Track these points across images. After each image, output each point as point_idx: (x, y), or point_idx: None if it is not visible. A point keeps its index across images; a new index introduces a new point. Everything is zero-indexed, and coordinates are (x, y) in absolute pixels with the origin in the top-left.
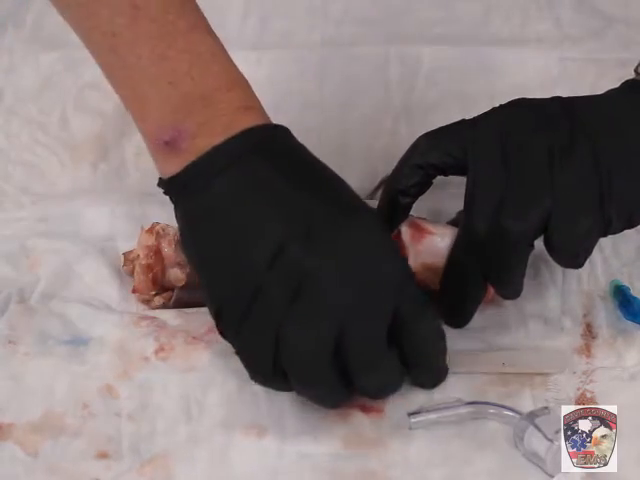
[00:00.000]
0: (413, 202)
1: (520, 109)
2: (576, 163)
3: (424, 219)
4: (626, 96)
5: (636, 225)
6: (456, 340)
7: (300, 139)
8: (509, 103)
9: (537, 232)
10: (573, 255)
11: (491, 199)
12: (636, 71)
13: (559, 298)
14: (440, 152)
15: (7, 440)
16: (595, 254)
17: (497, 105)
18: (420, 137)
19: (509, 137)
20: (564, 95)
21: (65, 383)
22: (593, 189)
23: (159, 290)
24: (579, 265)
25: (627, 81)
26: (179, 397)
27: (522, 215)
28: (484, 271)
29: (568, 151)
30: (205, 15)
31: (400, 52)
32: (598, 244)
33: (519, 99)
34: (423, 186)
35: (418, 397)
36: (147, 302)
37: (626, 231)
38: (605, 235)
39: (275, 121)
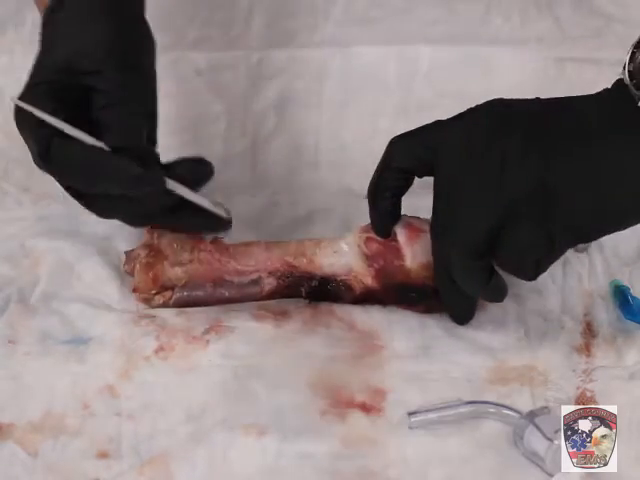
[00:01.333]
0: (398, 202)
1: (487, 112)
2: (524, 175)
3: (418, 218)
4: (604, 104)
5: (590, 240)
6: (456, 340)
7: (300, 138)
8: (482, 104)
9: (483, 246)
10: (519, 268)
11: (446, 210)
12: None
13: (559, 297)
14: (410, 156)
15: (7, 440)
16: (595, 254)
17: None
18: (392, 140)
19: (469, 142)
20: (563, 95)
21: (65, 383)
22: (537, 204)
23: (159, 289)
24: (531, 278)
25: (618, 81)
26: (179, 397)
27: (466, 230)
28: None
29: (519, 162)
30: (207, 14)
31: (400, 52)
32: (598, 244)
33: (494, 100)
34: (402, 188)
35: (418, 396)
36: (147, 301)
37: (626, 231)
38: (554, 251)
39: (276, 120)
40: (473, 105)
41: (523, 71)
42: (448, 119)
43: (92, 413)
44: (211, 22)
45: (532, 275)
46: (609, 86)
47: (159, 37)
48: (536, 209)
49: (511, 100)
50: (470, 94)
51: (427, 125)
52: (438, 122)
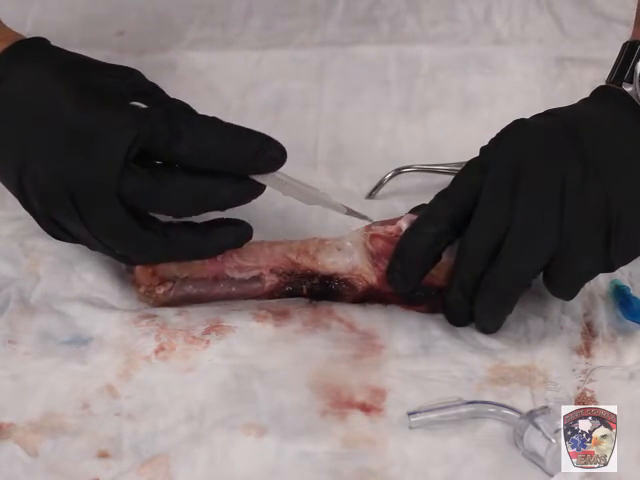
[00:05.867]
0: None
1: (528, 140)
2: (587, 203)
3: None
4: (625, 121)
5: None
6: (456, 340)
7: (299, 138)
8: (512, 130)
9: (540, 270)
10: (570, 291)
11: (495, 231)
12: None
13: None
14: (455, 211)
15: (7, 440)
16: None
17: (496, 123)
18: (433, 201)
19: (521, 171)
20: (564, 95)
21: (65, 383)
22: (601, 233)
23: (160, 281)
24: (571, 298)
25: (601, 88)
26: (179, 397)
27: (528, 254)
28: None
29: (580, 189)
30: (206, 14)
31: (400, 52)
32: None
33: (519, 124)
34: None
35: (418, 396)
36: (148, 293)
37: None
38: (608, 272)
39: (275, 120)
40: (473, 105)
41: (523, 71)
42: (483, 158)
43: (92, 413)
44: (210, 22)
45: (575, 295)
46: None
47: (159, 37)
48: (598, 239)
49: (535, 123)
50: (470, 94)
51: (465, 171)
52: (473, 165)
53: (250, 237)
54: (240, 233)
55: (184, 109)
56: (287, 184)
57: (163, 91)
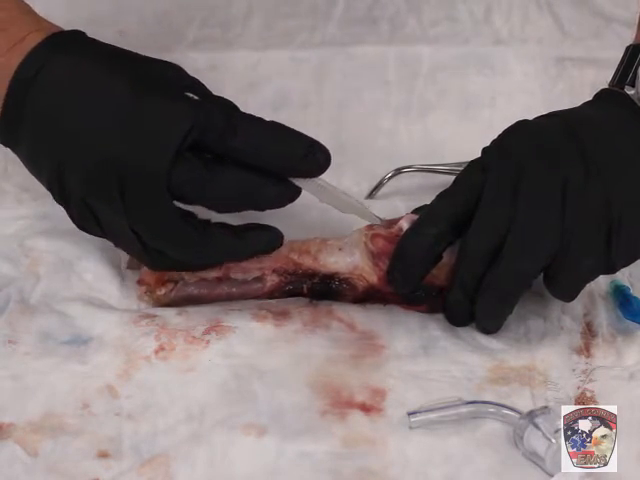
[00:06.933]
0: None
1: (529, 141)
2: (588, 204)
3: None
4: (626, 122)
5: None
6: (456, 340)
7: None
8: (514, 131)
9: (541, 270)
10: (571, 292)
11: (497, 231)
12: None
13: None
14: (456, 212)
15: (7, 440)
16: None
17: (497, 123)
18: (435, 201)
19: (523, 172)
20: (564, 95)
21: (65, 383)
22: (602, 233)
23: (164, 282)
24: (572, 300)
25: (603, 91)
26: (179, 397)
27: (529, 255)
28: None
29: (582, 190)
30: (207, 14)
31: (400, 52)
32: None
33: (521, 125)
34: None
35: (418, 396)
36: (150, 293)
37: None
38: (610, 273)
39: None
40: (473, 105)
41: (523, 71)
42: (483, 159)
43: (92, 413)
44: (210, 22)
45: (576, 297)
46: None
47: (159, 37)
48: (599, 239)
49: (535, 124)
50: (470, 94)
51: (466, 172)
52: (475, 165)
53: (281, 243)
54: (272, 239)
55: (229, 104)
56: (326, 191)
57: (205, 86)
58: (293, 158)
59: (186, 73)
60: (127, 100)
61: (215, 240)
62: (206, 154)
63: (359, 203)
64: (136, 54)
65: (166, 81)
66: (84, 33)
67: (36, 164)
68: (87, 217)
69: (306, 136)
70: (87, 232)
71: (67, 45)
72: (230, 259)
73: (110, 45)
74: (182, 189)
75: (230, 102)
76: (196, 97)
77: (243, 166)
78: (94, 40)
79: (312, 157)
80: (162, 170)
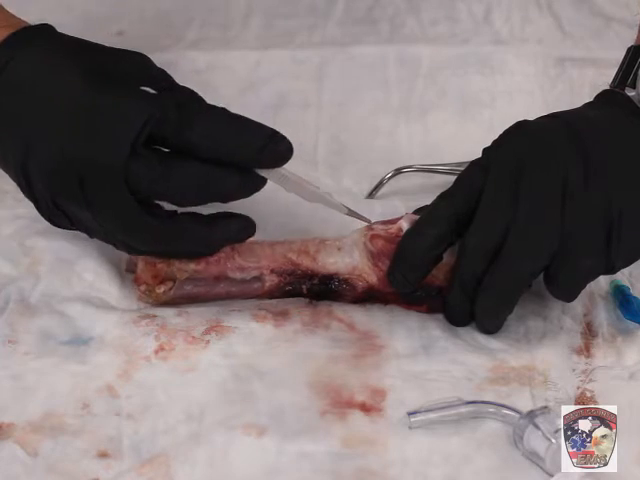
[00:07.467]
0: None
1: (529, 141)
2: (588, 204)
3: None
4: (626, 123)
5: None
6: (456, 340)
7: (299, 138)
8: (515, 132)
9: (541, 270)
10: (571, 292)
11: (496, 231)
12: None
13: None
14: (457, 212)
15: (7, 440)
16: None
17: (497, 123)
18: (435, 202)
19: (523, 172)
20: (564, 95)
21: (65, 383)
22: (602, 233)
23: (162, 280)
24: (572, 300)
25: (604, 92)
26: (179, 397)
27: (529, 255)
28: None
29: (581, 190)
30: (207, 14)
31: (400, 52)
32: None
33: (521, 126)
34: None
35: (418, 396)
36: (148, 292)
37: None
38: (610, 274)
39: (275, 120)
40: (473, 105)
41: (523, 71)
42: (484, 159)
43: (92, 413)
44: (210, 22)
45: (576, 297)
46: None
47: (159, 37)
48: (599, 239)
49: (536, 125)
50: (470, 94)
51: (467, 172)
52: (475, 165)
53: (253, 232)
54: (243, 226)
55: (193, 97)
56: (290, 180)
57: (172, 77)
58: (251, 149)
59: (152, 64)
60: (82, 98)
61: (183, 230)
62: (165, 148)
63: (325, 193)
64: (100, 47)
65: (125, 75)
66: (52, 27)
67: (3, 160)
68: (55, 212)
69: (266, 127)
70: (58, 226)
71: (32, 40)
72: (200, 248)
73: (75, 38)
74: (139, 185)
75: (194, 93)
76: (153, 91)
77: (203, 159)
78: (60, 34)
79: (272, 147)
80: (118, 167)
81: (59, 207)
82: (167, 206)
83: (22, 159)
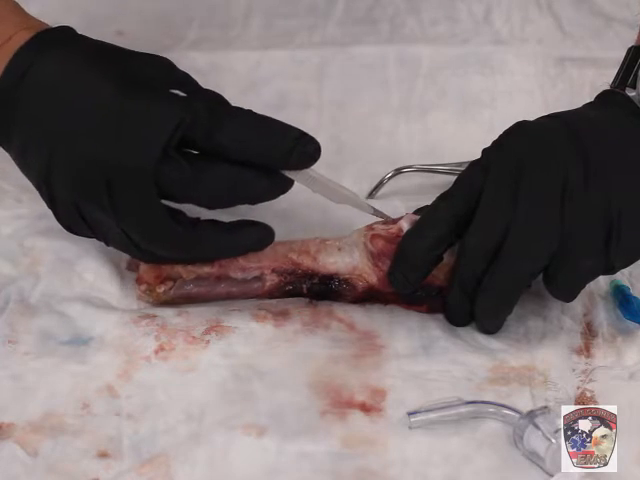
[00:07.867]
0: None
1: (529, 141)
2: (588, 204)
3: None
4: (626, 123)
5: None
6: (456, 340)
7: None
8: (515, 132)
9: (540, 270)
10: (571, 292)
11: (496, 231)
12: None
13: None
14: (457, 213)
15: (7, 440)
16: None
17: (497, 123)
18: (435, 202)
19: (522, 172)
20: (564, 95)
21: (65, 383)
22: (602, 234)
23: (163, 280)
24: (571, 300)
25: (605, 93)
26: (179, 397)
27: (529, 255)
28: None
29: (581, 190)
30: (207, 14)
31: (400, 52)
32: None
33: (521, 126)
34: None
35: (418, 396)
36: (149, 292)
37: None
38: (609, 274)
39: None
40: (473, 105)
41: (523, 71)
42: (484, 160)
43: (92, 413)
44: (210, 22)
45: (575, 297)
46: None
47: (159, 37)
48: (598, 240)
49: (536, 125)
50: (470, 94)
51: (467, 172)
52: (475, 166)
53: (272, 240)
54: (263, 235)
55: (219, 99)
56: (318, 181)
57: (195, 80)
58: (280, 151)
59: (175, 67)
60: (112, 100)
61: (205, 238)
62: (194, 151)
63: (352, 194)
64: (124, 50)
65: (152, 79)
66: (72, 29)
67: (25, 164)
68: (75, 218)
69: (293, 128)
70: (74, 233)
71: (54, 43)
72: (221, 256)
73: (98, 41)
74: (170, 188)
75: (220, 96)
76: (183, 94)
77: (232, 161)
78: (82, 36)
79: (300, 149)
80: (149, 170)
81: (80, 212)
82: (189, 213)
83: (45, 162)
